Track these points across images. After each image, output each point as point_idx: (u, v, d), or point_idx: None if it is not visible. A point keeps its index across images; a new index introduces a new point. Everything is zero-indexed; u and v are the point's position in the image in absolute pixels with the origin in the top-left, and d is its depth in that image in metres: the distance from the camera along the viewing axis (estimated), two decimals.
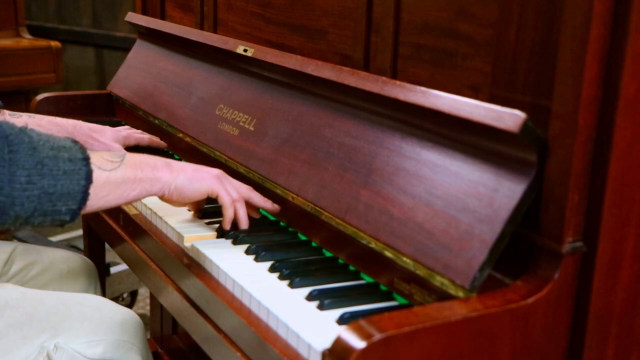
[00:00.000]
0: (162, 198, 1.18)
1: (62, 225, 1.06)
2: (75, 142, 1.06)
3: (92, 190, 1.04)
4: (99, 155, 1.08)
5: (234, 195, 1.19)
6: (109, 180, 1.07)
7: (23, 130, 1.01)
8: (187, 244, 1.18)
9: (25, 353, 1.19)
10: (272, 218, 1.29)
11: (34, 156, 0.99)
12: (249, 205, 1.22)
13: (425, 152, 1.02)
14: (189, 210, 1.30)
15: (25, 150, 0.99)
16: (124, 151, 1.51)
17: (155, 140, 1.67)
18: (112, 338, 1.25)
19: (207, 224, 1.26)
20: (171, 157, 1.66)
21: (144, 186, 1.12)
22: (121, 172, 1.09)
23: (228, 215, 1.18)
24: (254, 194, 1.24)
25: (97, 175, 1.05)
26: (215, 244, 1.16)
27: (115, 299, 2.56)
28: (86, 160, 1.04)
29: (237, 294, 1.03)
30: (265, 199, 1.25)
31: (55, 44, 3.27)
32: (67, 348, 1.20)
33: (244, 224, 1.19)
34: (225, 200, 1.17)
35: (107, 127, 1.59)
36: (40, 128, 1.41)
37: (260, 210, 1.31)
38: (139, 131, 1.69)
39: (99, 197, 1.06)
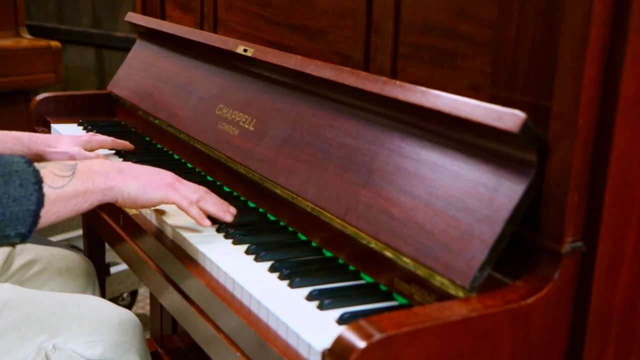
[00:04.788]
0: (116, 204, 1.17)
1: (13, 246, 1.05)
2: (29, 163, 1.04)
3: (43, 211, 1.03)
4: (50, 171, 1.06)
5: (193, 197, 1.18)
6: (60, 197, 1.06)
7: None
8: (187, 244, 1.18)
9: (24, 353, 1.19)
10: (272, 218, 1.29)
11: None
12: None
13: (425, 152, 1.02)
14: None
15: None
16: (85, 153, 1.50)
17: (119, 142, 1.63)
18: (110, 339, 1.25)
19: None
20: (171, 156, 1.66)
21: (95, 197, 1.12)
22: (72, 186, 1.08)
23: (194, 214, 1.17)
24: (209, 196, 1.21)
25: (48, 195, 1.04)
26: (215, 244, 1.16)
27: (115, 298, 2.56)
28: (39, 184, 1.03)
29: (237, 294, 1.03)
30: (220, 207, 1.21)
31: (55, 44, 3.27)
32: (66, 349, 1.20)
33: (224, 217, 1.19)
34: (183, 204, 1.17)
35: (64, 135, 1.56)
36: None
37: (260, 209, 1.31)
38: (100, 136, 1.63)
39: (50, 215, 1.05)
